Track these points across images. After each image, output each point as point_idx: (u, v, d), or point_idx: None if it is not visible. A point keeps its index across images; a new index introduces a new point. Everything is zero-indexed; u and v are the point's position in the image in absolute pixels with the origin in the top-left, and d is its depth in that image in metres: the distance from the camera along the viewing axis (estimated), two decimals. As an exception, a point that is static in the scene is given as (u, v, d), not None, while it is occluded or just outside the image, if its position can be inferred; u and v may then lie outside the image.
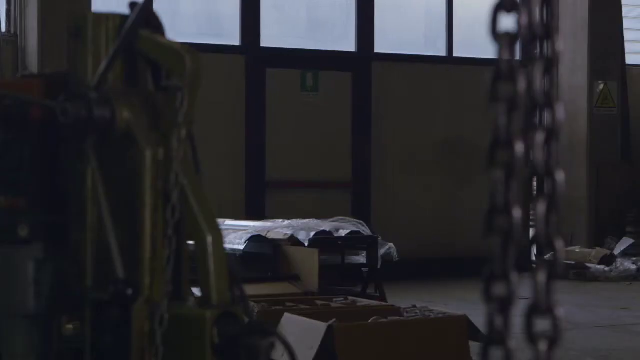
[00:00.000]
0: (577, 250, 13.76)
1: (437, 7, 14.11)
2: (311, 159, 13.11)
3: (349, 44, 13.54)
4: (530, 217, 1.70)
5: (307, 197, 12.90)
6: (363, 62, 13.45)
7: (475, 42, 14.20)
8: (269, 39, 13.02)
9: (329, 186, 13.12)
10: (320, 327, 6.14)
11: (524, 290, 1.66)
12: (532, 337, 1.64)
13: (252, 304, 6.46)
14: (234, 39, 12.74)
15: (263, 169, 12.83)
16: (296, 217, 10.52)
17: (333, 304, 7.20)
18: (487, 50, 14.20)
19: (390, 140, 13.46)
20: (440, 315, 6.84)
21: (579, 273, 12.80)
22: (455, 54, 14.08)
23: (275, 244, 9.94)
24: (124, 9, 2.69)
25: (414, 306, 7.17)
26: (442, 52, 14.07)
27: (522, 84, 1.63)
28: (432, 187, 13.65)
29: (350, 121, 13.36)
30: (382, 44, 13.65)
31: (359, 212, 12.49)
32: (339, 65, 13.36)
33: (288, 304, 7.06)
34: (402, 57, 13.75)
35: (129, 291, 2.47)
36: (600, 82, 14.50)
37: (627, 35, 14.98)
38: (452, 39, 14.07)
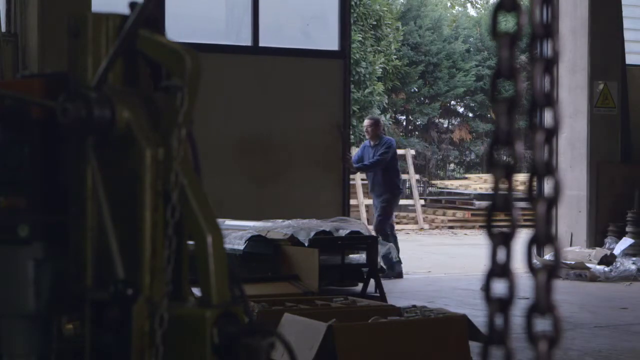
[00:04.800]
0: (577, 250, 13.77)
1: (240, -8, 12.78)
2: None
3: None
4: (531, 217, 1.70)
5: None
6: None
7: (284, 31, 13.13)
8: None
9: None
10: (320, 327, 6.14)
11: (524, 290, 1.66)
12: (532, 337, 1.64)
13: (252, 304, 6.47)
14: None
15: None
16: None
17: (333, 304, 7.20)
18: (297, 39, 13.31)
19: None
20: (440, 315, 6.83)
21: (579, 273, 12.80)
22: (261, 44, 12.85)
23: (275, 244, 9.95)
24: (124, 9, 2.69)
25: (414, 306, 7.17)
26: (247, 41, 12.84)
27: (521, 84, 1.63)
28: (230, 188, 12.30)
29: (138, 118, 12.42)
30: (175, 32, 12.50)
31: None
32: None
33: (288, 304, 7.06)
34: (197, 46, 12.54)
35: (129, 291, 2.47)
36: (600, 82, 14.50)
37: (627, 35, 14.97)
38: (257, 28, 12.83)
